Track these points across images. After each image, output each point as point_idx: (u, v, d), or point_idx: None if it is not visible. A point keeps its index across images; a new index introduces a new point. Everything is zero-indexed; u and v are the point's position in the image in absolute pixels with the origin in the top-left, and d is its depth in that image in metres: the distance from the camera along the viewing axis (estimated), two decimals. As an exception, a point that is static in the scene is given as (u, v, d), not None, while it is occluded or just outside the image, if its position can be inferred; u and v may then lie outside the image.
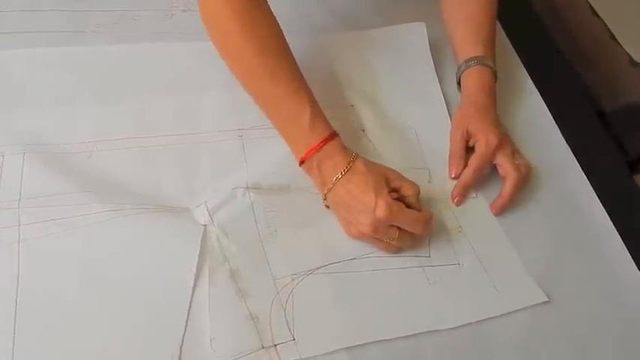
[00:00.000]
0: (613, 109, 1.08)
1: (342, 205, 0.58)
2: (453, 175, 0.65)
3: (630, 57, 1.02)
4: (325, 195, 0.59)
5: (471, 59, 0.68)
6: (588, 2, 1.07)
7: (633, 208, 0.68)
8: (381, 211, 0.55)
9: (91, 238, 0.54)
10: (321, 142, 0.58)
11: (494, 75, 0.68)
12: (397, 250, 0.59)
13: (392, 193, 0.58)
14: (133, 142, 0.61)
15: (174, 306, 0.52)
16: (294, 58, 0.61)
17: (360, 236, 0.58)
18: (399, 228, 0.57)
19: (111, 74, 0.65)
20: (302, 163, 0.59)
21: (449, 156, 0.66)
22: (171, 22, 0.70)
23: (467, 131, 0.66)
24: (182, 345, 0.50)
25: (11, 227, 0.53)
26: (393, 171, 0.60)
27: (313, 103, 0.60)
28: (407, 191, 0.59)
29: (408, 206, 0.58)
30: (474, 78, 0.68)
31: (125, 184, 0.58)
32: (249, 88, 0.62)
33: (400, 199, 0.59)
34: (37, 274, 0.52)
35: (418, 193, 0.59)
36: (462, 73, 0.69)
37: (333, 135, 0.59)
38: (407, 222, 0.57)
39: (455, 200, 0.64)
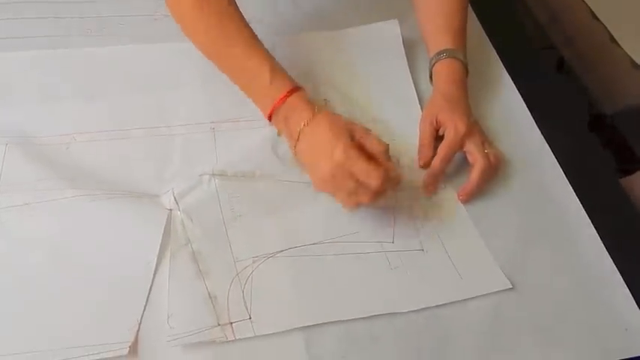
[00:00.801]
0: (614, 112, 1.06)
1: (307, 155, 0.59)
2: (421, 164, 0.66)
3: (631, 59, 1.01)
4: (294, 148, 0.60)
5: (441, 52, 0.69)
6: (588, 6, 1.06)
7: (609, 200, 0.67)
8: (338, 155, 0.56)
9: (62, 221, 0.57)
10: (285, 94, 0.60)
11: (465, 67, 0.69)
12: (356, 205, 0.58)
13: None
14: (109, 135, 0.64)
15: (136, 284, 0.54)
16: (249, 26, 0.64)
17: (321, 184, 0.58)
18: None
19: (91, 73, 0.69)
20: (270, 118, 0.61)
21: (418, 145, 0.67)
22: (154, 27, 0.74)
23: (436, 121, 0.66)
24: (140, 320, 0.53)
25: (-12, 211, 0.58)
26: (361, 127, 0.60)
27: (272, 61, 0.62)
28: (373, 146, 0.58)
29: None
30: (444, 70, 0.69)
31: (99, 172, 0.61)
32: (208, 52, 0.65)
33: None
34: (8, 253, 0.55)
35: (386, 149, 0.59)
36: (432, 65, 0.70)
37: (297, 88, 0.61)
38: (364, 170, 0.56)
39: (428, 189, 0.64)
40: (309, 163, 0.60)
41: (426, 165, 0.65)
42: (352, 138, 0.58)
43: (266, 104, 0.62)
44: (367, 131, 0.60)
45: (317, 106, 0.60)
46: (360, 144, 0.58)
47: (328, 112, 0.61)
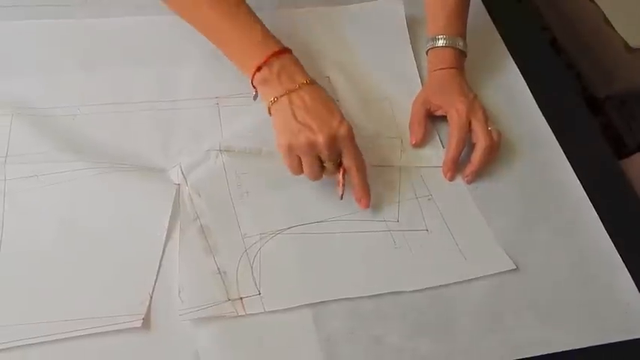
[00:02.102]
0: (607, 95, 1.07)
1: (302, 110, 0.57)
2: (412, 142, 0.67)
3: (625, 42, 1.01)
4: (279, 98, 0.58)
5: (436, 38, 0.69)
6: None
7: (610, 183, 0.69)
8: (344, 130, 0.57)
9: (71, 193, 0.57)
10: (283, 50, 0.59)
11: (461, 53, 0.70)
12: (316, 178, 0.59)
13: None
14: (114, 107, 0.64)
15: (147, 257, 0.55)
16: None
17: (302, 147, 0.57)
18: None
19: (94, 45, 0.68)
20: (259, 69, 0.59)
21: (409, 124, 0.68)
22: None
23: (431, 103, 0.67)
24: (152, 293, 0.53)
25: (-3, 181, 0.57)
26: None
27: (260, 21, 0.61)
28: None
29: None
30: (438, 58, 0.69)
31: (105, 144, 0.61)
32: (190, 17, 0.63)
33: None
34: (19, 225, 0.55)
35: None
36: (429, 48, 0.71)
37: (291, 50, 0.61)
38: (353, 155, 0.58)
39: (447, 176, 0.65)
40: (285, 123, 0.58)
41: (417, 143, 0.66)
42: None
43: (256, 54, 0.59)
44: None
45: (310, 77, 0.60)
46: None
47: (318, 84, 0.60)
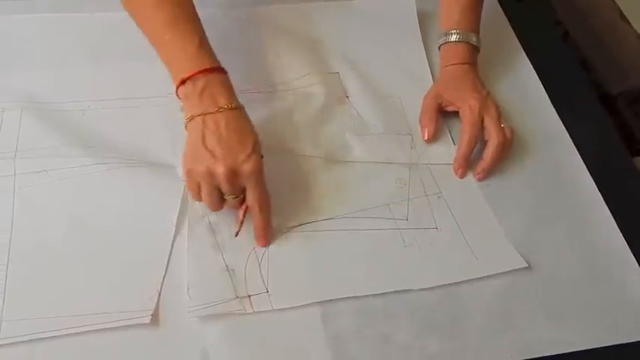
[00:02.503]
0: (621, 92, 1.05)
1: (213, 135, 0.54)
2: (425, 138, 0.66)
3: (640, 37, 1.00)
4: (195, 117, 0.55)
5: (449, 33, 0.68)
6: (597, -20, 1.05)
7: (624, 181, 0.67)
8: (250, 165, 0.53)
9: (80, 188, 0.57)
10: (213, 68, 0.56)
11: (475, 48, 0.69)
12: (215, 208, 0.56)
13: None
14: (124, 102, 0.64)
15: (155, 254, 0.55)
16: (190, 1, 0.59)
17: (200, 174, 0.54)
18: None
19: (104, 39, 0.68)
20: (183, 82, 0.56)
21: (419, 116, 0.67)
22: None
23: (442, 97, 0.67)
24: (160, 290, 0.53)
25: (7, 176, 0.57)
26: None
27: (203, 37, 0.58)
28: None
29: None
30: (450, 53, 0.69)
31: (114, 140, 0.61)
32: (136, 16, 0.60)
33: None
34: (29, 220, 0.55)
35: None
36: (442, 43, 0.70)
37: (225, 71, 0.58)
38: (257, 195, 0.55)
39: (458, 173, 0.64)
40: (193, 144, 0.55)
41: (429, 138, 0.66)
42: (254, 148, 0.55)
43: (184, 67, 0.56)
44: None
45: (238, 102, 0.57)
46: None
47: (244, 112, 0.57)
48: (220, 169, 0.53)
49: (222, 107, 0.55)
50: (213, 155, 0.53)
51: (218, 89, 0.56)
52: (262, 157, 0.56)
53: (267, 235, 0.57)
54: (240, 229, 0.57)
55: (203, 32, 0.59)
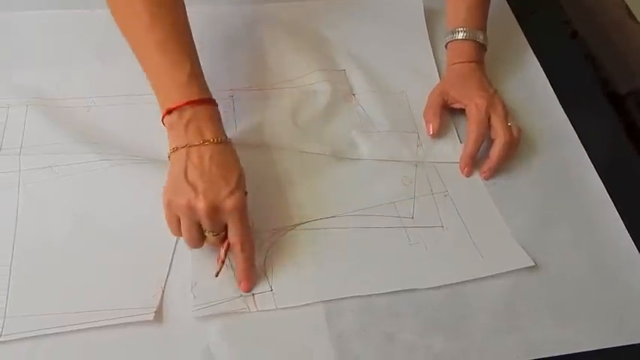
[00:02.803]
0: (630, 91, 1.04)
1: (195, 169, 0.52)
2: (430, 133, 0.66)
3: (649, 36, 0.99)
4: (179, 149, 0.53)
5: (457, 30, 0.68)
6: (605, -22, 1.04)
7: (632, 181, 0.67)
8: (232, 202, 0.51)
9: (85, 185, 0.57)
10: (202, 100, 0.54)
11: (482, 46, 0.68)
12: (197, 246, 0.54)
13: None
14: (128, 99, 0.64)
15: (159, 251, 0.55)
16: (186, 19, 0.58)
17: (180, 208, 0.52)
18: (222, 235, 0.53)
19: (109, 36, 0.66)
20: (169, 112, 0.54)
21: (423, 111, 0.67)
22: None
23: (448, 95, 0.66)
24: (164, 287, 0.53)
25: (12, 172, 0.57)
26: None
27: (194, 63, 0.56)
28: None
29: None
30: (457, 51, 0.68)
31: (119, 136, 0.61)
32: (128, 36, 0.58)
33: None
34: (33, 216, 0.55)
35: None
36: (449, 41, 0.69)
37: (215, 103, 0.56)
38: (239, 232, 0.52)
39: (464, 172, 0.64)
40: (175, 176, 0.53)
41: (434, 134, 0.65)
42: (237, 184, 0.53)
43: (172, 96, 0.54)
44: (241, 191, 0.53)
45: (226, 135, 0.55)
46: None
47: (231, 147, 0.55)
48: (201, 205, 0.51)
49: (207, 140, 0.53)
50: (195, 189, 0.51)
51: (205, 122, 0.54)
52: (246, 193, 0.54)
53: (251, 277, 0.54)
54: (220, 269, 0.54)
55: (196, 58, 0.57)
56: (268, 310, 0.53)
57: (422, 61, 0.72)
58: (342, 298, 0.54)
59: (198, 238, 0.53)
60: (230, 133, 0.61)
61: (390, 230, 0.59)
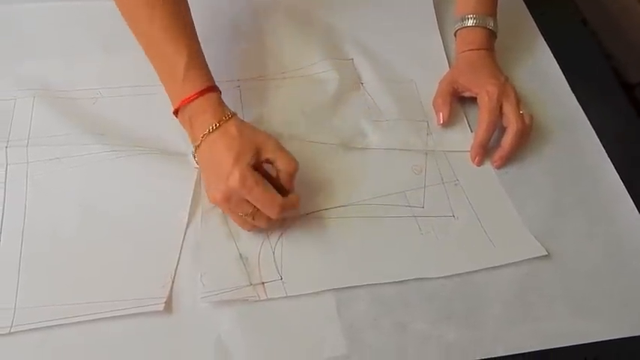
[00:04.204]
0: (638, 81, 1.03)
1: (205, 166, 0.55)
2: (440, 122, 0.65)
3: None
4: (194, 152, 0.56)
5: (466, 17, 0.67)
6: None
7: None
8: (233, 181, 0.51)
9: (92, 176, 0.57)
10: (195, 94, 0.54)
11: (492, 33, 0.67)
12: (253, 228, 0.55)
13: (267, 165, 0.55)
14: (135, 90, 0.64)
15: (168, 241, 0.55)
16: (186, 10, 0.58)
17: (215, 203, 0.54)
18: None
19: (115, 27, 0.66)
20: (176, 114, 0.56)
21: (433, 100, 0.66)
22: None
23: (458, 83, 0.65)
24: (174, 277, 0.53)
25: (20, 164, 0.57)
26: (273, 141, 0.54)
27: (192, 53, 0.56)
28: (280, 165, 0.54)
29: (279, 183, 0.54)
30: (468, 38, 0.67)
31: (126, 128, 0.61)
32: (131, 28, 0.58)
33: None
34: (42, 208, 0.55)
35: (293, 171, 0.54)
36: (458, 28, 0.68)
37: (211, 89, 0.56)
38: (260, 200, 0.52)
39: (475, 161, 0.63)
40: (205, 175, 0.55)
41: (444, 123, 0.64)
42: (259, 156, 0.53)
43: (174, 99, 0.56)
44: (278, 147, 0.54)
45: (227, 114, 0.54)
46: (269, 160, 0.54)
47: (237, 122, 0.54)
48: (217, 197, 0.52)
49: (204, 135, 0.54)
50: (209, 186, 0.54)
51: (201, 116, 0.54)
52: (255, 159, 0.53)
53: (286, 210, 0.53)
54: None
55: (195, 47, 0.56)
56: (279, 299, 0.52)
57: (431, 49, 0.71)
58: (352, 288, 0.54)
59: (244, 223, 0.54)
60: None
61: (400, 219, 0.58)
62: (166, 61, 0.56)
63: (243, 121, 0.55)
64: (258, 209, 0.53)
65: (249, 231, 0.55)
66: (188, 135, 0.57)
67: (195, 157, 0.56)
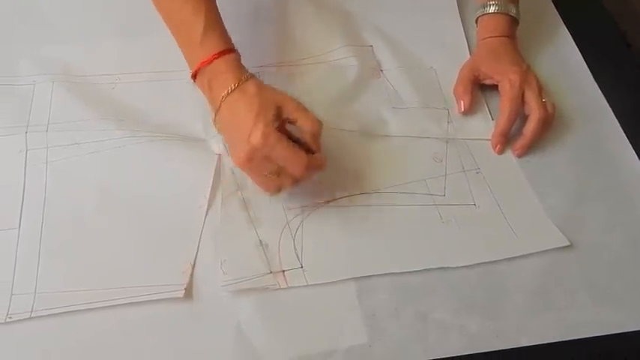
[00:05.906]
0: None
1: (226, 129, 0.54)
2: (461, 110, 0.64)
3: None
4: (214, 117, 0.54)
5: (490, 2, 0.66)
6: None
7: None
8: (255, 139, 0.50)
9: (111, 162, 0.57)
10: (213, 56, 0.53)
11: (514, 19, 0.66)
12: (277, 190, 0.54)
13: (288, 125, 0.53)
14: (154, 76, 0.63)
15: (188, 227, 0.54)
16: None
17: (238, 164, 0.53)
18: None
19: (134, 12, 0.67)
20: (194, 78, 0.55)
21: (454, 88, 0.65)
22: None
23: (479, 70, 0.64)
24: (194, 264, 0.53)
25: (39, 149, 0.57)
26: (293, 101, 0.53)
27: (210, 15, 0.55)
28: (304, 125, 0.52)
29: (305, 145, 0.53)
30: (490, 25, 0.66)
31: (144, 113, 0.61)
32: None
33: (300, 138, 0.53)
34: (61, 192, 0.55)
35: (317, 131, 0.53)
36: (479, 15, 0.67)
37: (229, 50, 0.55)
38: (283, 157, 0.50)
39: (496, 149, 0.62)
40: (227, 137, 0.55)
41: (466, 110, 0.64)
42: (280, 114, 0.52)
43: (192, 62, 0.55)
44: (300, 107, 0.53)
45: (246, 74, 0.53)
46: (291, 121, 0.53)
47: (256, 82, 0.53)
48: (241, 157, 0.51)
49: (223, 96, 0.52)
50: (232, 148, 0.53)
51: (218, 77, 0.53)
52: (277, 118, 0.51)
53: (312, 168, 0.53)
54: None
55: (212, 10, 0.56)
56: (299, 287, 0.52)
57: (451, 35, 0.70)
58: (373, 276, 0.53)
59: (266, 183, 0.54)
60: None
61: (421, 207, 0.57)
62: (185, 25, 0.55)
63: (262, 82, 0.54)
64: (281, 168, 0.52)
65: (274, 195, 0.54)
66: (207, 100, 0.55)
67: (215, 125, 0.55)
